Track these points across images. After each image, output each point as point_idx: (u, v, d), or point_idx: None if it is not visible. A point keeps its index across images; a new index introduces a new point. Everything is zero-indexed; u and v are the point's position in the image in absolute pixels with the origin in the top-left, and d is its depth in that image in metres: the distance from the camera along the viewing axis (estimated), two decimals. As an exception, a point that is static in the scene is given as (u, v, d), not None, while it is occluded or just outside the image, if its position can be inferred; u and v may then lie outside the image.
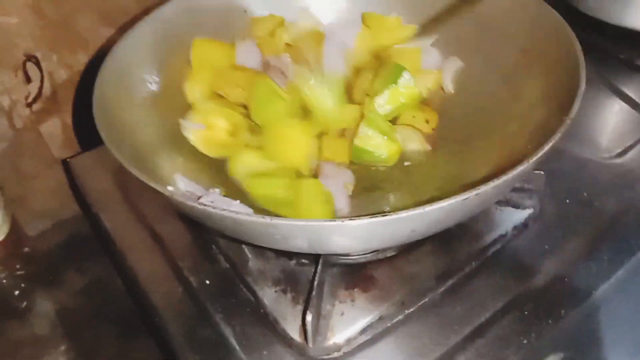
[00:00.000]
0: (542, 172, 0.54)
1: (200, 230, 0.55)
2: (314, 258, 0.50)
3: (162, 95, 0.56)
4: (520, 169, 0.38)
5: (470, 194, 0.36)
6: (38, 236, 0.74)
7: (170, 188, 0.47)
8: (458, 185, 0.52)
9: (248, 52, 0.58)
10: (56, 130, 0.71)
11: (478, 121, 0.57)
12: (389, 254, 0.51)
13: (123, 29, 0.61)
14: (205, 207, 0.38)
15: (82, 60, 0.68)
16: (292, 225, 0.37)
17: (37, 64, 0.66)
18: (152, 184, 0.39)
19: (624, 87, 0.67)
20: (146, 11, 0.57)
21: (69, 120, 0.71)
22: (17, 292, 0.69)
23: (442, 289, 0.50)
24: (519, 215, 0.54)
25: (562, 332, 0.47)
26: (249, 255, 0.52)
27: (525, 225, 0.54)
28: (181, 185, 0.51)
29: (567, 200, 0.56)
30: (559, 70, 0.49)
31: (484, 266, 0.51)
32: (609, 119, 0.65)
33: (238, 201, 0.50)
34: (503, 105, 0.55)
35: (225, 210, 0.37)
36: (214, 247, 0.54)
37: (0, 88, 0.64)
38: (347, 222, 0.36)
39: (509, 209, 0.54)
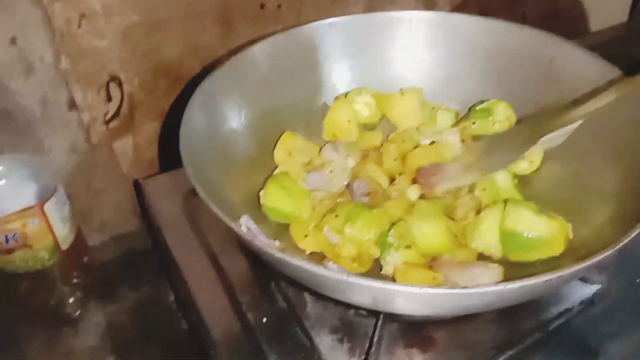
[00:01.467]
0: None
1: (262, 267, 0.56)
2: (374, 311, 0.50)
3: (243, 132, 0.57)
4: (605, 254, 0.38)
5: (553, 276, 0.36)
6: (97, 247, 0.76)
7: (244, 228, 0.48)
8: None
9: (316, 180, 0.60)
10: (128, 149, 0.73)
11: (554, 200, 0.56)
12: (450, 317, 0.51)
13: (205, 61, 0.64)
14: (282, 256, 0.38)
15: (162, 86, 0.70)
16: (366, 286, 0.37)
17: (120, 85, 0.68)
18: (233, 226, 0.40)
19: None
20: (229, 49, 0.58)
21: (141, 140, 0.73)
22: (72, 300, 0.71)
23: (502, 358, 0.49)
24: (587, 290, 0.53)
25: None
26: (308, 299, 0.52)
27: (591, 301, 0.53)
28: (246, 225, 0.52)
29: (638, 281, 0.54)
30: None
31: (546, 340, 0.50)
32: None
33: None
34: (582, 184, 0.54)
35: (302, 261, 0.37)
36: (273, 285, 0.54)
37: (83, 104, 0.67)
38: (425, 290, 0.36)
39: (577, 283, 0.53)
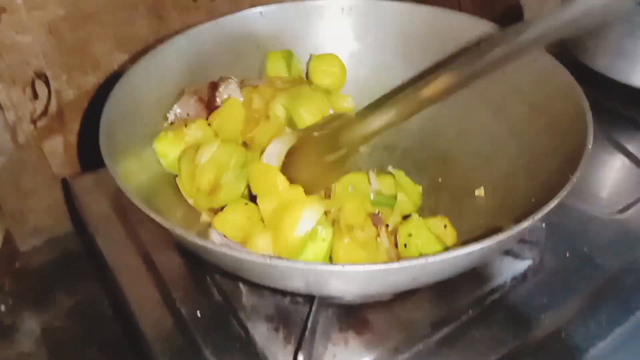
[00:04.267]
0: (543, 225, 0.54)
1: (195, 261, 0.54)
2: (309, 297, 0.49)
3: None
4: (525, 224, 0.38)
5: (475, 248, 0.36)
6: (29, 252, 0.73)
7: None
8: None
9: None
10: (58, 148, 0.71)
11: (483, 171, 0.56)
12: (385, 298, 0.51)
13: (137, 56, 0.62)
14: (204, 244, 0.37)
15: (91, 81, 0.68)
16: (291, 268, 0.37)
17: (46, 82, 0.66)
18: (154, 216, 0.39)
19: (628, 145, 0.67)
20: (161, 40, 0.57)
21: (72, 139, 0.71)
22: (3, 308, 0.68)
23: (438, 336, 0.49)
24: (519, 266, 0.54)
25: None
26: (243, 290, 0.51)
27: (524, 276, 0.53)
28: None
29: (567, 254, 0.56)
30: (566, 127, 0.49)
31: (481, 316, 0.51)
32: (612, 175, 0.65)
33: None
34: (509, 157, 0.55)
35: (224, 247, 0.37)
36: (208, 278, 0.53)
37: (8, 103, 0.64)
38: (348, 268, 0.35)
39: (509, 259, 0.54)
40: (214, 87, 0.57)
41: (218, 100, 0.56)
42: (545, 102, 0.53)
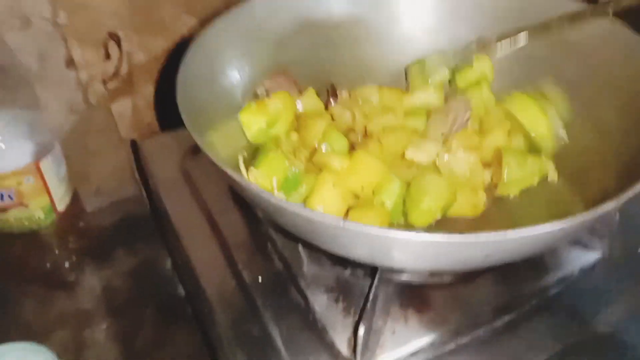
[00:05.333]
0: (616, 215, 0.52)
1: (258, 225, 0.55)
2: (370, 271, 0.49)
3: (241, 88, 0.56)
4: (608, 206, 0.37)
5: (555, 227, 0.35)
6: (94, 213, 0.75)
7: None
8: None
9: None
10: (126, 111, 0.72)
11: (558, 156, 0.55)
12: (447, 280, 0.50)
13: (205, 20, 0.62)
14: (279, 202, 0.37)
15: (161, 45, 0.69)
16: (364, 233, 0.36)
17: (118, 43, 0.67)
18: (230, 172, 0.39)
19: None
20: (228, 6, 0.57)
21: (139, 102, 0.72)
22: (67, 265, 0.70)
23: (499, 323, 0.48)
24: (587, 257, 0.52)
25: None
26: (305, 259, 0.52)
27: (592, 268, 0.52)
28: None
29: (639, 251, 0.53)
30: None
31: (545, 305, 0.49)
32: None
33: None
34: (588, 141, 0.53)
35: (300, 207, 0.37)
36: (270, 245, 0.53)
37: (82, 62, 0.66)
38: (422, 235, 0.35)
39: (577, 249, 0.52)
40: (333, 93, 0.60)
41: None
42: (625, 81, 0.50)
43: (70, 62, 0.65)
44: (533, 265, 0.51)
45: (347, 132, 0.56)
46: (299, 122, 0.57)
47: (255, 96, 0.57)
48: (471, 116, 0.56)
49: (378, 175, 0.51)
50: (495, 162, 0.54)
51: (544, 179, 0.54)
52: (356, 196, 0.51)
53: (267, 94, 0.57)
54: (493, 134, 0.55)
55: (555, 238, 0.39)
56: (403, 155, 0.53)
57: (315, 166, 0.53)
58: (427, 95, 0.59)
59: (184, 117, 0.43)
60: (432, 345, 0.46)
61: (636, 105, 0.49)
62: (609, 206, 0.37)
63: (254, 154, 0.54)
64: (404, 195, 0.51)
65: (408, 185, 0.51)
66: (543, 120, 0.56)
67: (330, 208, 0.50)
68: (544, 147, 0.56)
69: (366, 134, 0.56)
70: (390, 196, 0.50)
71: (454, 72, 0.62)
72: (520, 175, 0.52)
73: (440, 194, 0.49)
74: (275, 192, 0.50)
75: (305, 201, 0.51)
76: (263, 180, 0.51)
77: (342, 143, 0.54)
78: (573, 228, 0.36)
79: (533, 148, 0.56)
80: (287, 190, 0.50)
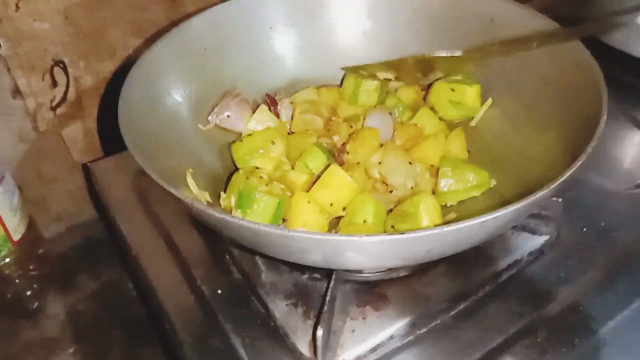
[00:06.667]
0: (559, 200, 0.54)
1: (215, 240, 0.55)
2: (327, 273, 0.50)
3: (186, 106, 0.56)
4: (540, 194, 0.38)
5: (489, 217, 0.36)
6: (53, 238, 0.75)
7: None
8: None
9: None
10: (78, 135, 0.72)
11: (501, 147, 0.56)
12: (402, 274, 0.51)
13: (151, 40, 0.63)
14: (223, 217, 0.38)
15: (108, 68, 0.70)
16: (309, 239, 0.37)
17: (64, 69, 0.67)
18: (173, 191, 0.39)
19: (645, 119, 0.67)
20: (174, 24, 0.58)
21: (91, 125, 0.72)
22: (29, 293, 0.70)
23: (455, 311, 0.50)
24: (535, 242, 0.54)
25: (575, 362, 0.47)
26: (262, 268, 0.52)
27: (541, 251, 0.54)
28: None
29: (585, 229, 0.56)
30: (580, 99, 0.49)
31: (498, 291, 0.51)
32: (629, 150, 0.65)
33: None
34: (523, 131, 0.55)
35: (243, 220, 0.37)
36: (227, 257, 0.54)
37: (27, 91, 0.66)
38: (364, 238, 0.36)
39: (525, 235, 0.54)
40: (273, 102, 0.60)
41: (282, 116, 0.60)
42: (559, 75, 0.53)
43: (16, 92, 0.65)
44: (483, 253, 0.52)
45: (331, 148, 0.57)
46: (289, 142, 0.57)
47: (208, 123, 0.58)
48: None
49: (349, 192, 0.51)
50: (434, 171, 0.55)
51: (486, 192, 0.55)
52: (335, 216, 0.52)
53: (219, 120, 0.58)
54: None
55: (491, 229, 0.40)
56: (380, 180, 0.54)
57: (287, 186, 0.53)
58: (354, 108, 0.61)
59: (125, 138, 0.44)
60: (391, 339, 0.47)
61: (573, 98, 0.51)
62: (544, 191, 0.38)
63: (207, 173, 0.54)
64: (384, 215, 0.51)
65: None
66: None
67: (311, 226, 0.50)
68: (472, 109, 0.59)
69: (342, 150, 0.56)
70: (368, 215, 0.50)
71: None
72: (457, 187, 0.53)
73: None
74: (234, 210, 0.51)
75: (285, 224, 0.51)
76: (225, 200, 0.52)
77: (320, 161, 0.54)
78: (507, 217, 0.38)
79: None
80: (243, 208, 0.50)
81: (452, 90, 0.59)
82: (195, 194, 0.50)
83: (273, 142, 0.55)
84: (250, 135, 0.57)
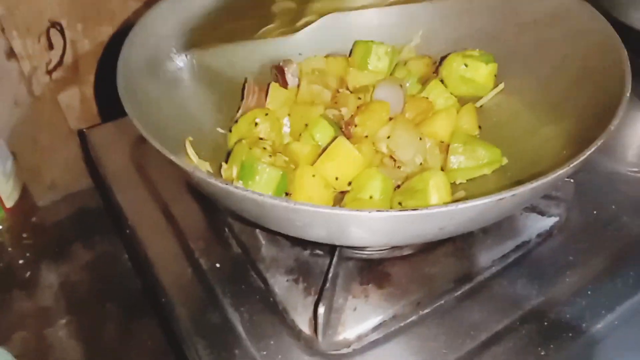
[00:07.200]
0: (571, 181, 0.52)
1: (215, 212, 0.54)
2: (330, 250, 0.49)
3: (188, 72, 0.54)
4: (558, 173, 0.36)
5: (507, 195, 0.35)
6: (48, 207, 0.73)
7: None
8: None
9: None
10: (74, 101, 0.70)
11: (513, 125, 0.54)
12: (406, 252, 0.50)
13: (153, 4, 0.60)
14: (227, 186, 0.36)
15: (107, 32, 0.67)
16: (315, 212, 0.36)
17: (61, 31, 0.65)
18: (173, 158, 0.37)
19: (660, 103, 0.65)
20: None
21: (88, 91, 0.70)
22: (21, 262, 0.68)
23: (460, 292, 0.48)
24: (544, 223, 0.52)
25: (581, 347, 0.46)
26: (263, 242, 0.51)
27: (549, 233, 0.52)
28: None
29: (595, 212, 0.54)
30: (600, 79, 0.47)
31: (504, 272, 0.50)
32: (642, 133, 0.63)
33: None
34: (537, 109, 0.53)
35: (247, 191, 0.36)
36: (226, 230, 0.53)
37: (22, 53, 0.63)
38: (374, 214, 0.34)
39: (534, 216, 0.52)
40: (281, 71, 0.57)
41: (290, 81, 0.57)
42: (581, 53, 0.50)
43: (10, 54, 0.63)
44: (490, 233, 0.51)
45: (338, 120, 0.55)
46: (292, 112, 0.55)
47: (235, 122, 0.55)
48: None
49: (356, 166, 0.49)
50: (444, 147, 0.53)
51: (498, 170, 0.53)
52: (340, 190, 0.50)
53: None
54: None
55: (508, 208, 0.39)
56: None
57: (290, 159, 0.51)
58: (363, 77, 0.58)
59: (124, 103, 0.42)
60: (394, 318, 0.46)
61: (593, 77, 0.48)
62: (561, 171, 0.37)
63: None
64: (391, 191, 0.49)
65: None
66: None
67: (316, 201, 0.48)
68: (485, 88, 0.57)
69: (350, 122, 0.54)
70: (375, 191, 0.48)
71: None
72: (468, 164, 0.51)
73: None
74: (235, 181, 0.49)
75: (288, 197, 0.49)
76: (226, 172, 0.50)
77: (327, 133, 0.52)
78: (525, 195, 0.36)
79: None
80: (245, 179, 0.48)
81: (466, 65, 0.56)
82: (196, 163, 0.48)
83: (255, 124, 0.53)
84: (236, 122, 0.55)
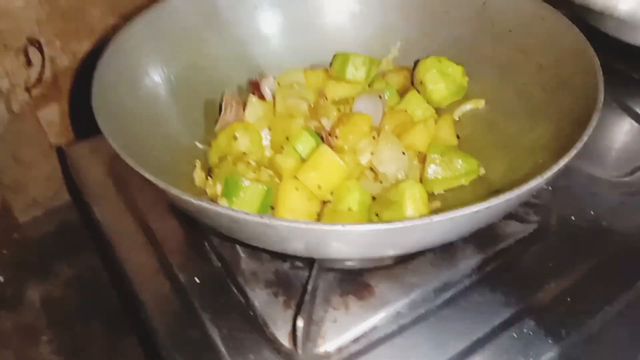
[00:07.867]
0: (549, 188, 0.52)
1: (193, 226, 0.54)
2: (309, 262, 0.49)
3: (165, 87, 0.54)
4: (533, 184, 0.37)
5: (481, 207, 0.35)
6: (29, 223, 0.73)
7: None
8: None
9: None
10: (54, 117, 0.70)
11: (491, 134, 0.55)
12: (386, 263, 0.50)
13: (130, 19, 0.60)
14: (201, 203, 0.36)
15: (86, 48, 0.67)
16: (290, 228, 0.36)
17: (40, 48, 0.65)
18: (148, 176, 0.37)
19: (636, 107, 0.65)
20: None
21: (68, 108, 0.70)
22: (2, 279, 0.68)
23: (440, 301, 0.48)
24: (523, 230, 0.52)
25: (562, 353, 0.46)
26: (242, 255, 0.51)
27: (529, 240, 0.52)
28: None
29: (573, 218, 0.54)
30: (575, 86, 0.48)
31: (484, 280, 0.50)
32: (620, 138, 0.64)
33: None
34: (514, 118, 0.53)
35: (222, 207, 0.36)
36: (206, 244, 0.52)
37: (1, 70, 0.63)
38: (348, 227, 0.34)
39: (514, 223, 0.53)
40: (256, 86, 0.58)
41: (266, 95, 0.58)
42: (554, 61, 0.51)
43: (-12, 71, 0.62)
44: (470, 241, 0.51)
45: (319, 131, 0.55)
46: (271, 125, 0.55)
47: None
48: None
49: (339, 175, 0.49)
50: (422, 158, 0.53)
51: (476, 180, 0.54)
52: (322, 200, 0.50)
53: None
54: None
55: (483, 219, 0.39)
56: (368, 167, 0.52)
57: (274, 172, 0.51)
58: (342, 89, 0.59)
59: (99, 121, 0.42)
60: (374, 329, 0.46)
61: (568, 85, 0.49)
62: (536, 182, 0.37)
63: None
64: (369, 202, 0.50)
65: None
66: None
67: (300, 213, 0.48)
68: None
69: (331, 133, 0.54)
70: (353, 203, 0.48)
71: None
72: (445, 174, 0.52)
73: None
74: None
75: (273, 212, 0.49)
76: (211, 188, 0.51)
77: (310, 145, 0.52)
78: (500, 207, 0.36)
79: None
80: (229, 196, 0.48)
81: (439, 62, 0.57)
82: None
83: (235, 137, 0.53)
84: (216, 139, 0.55)
